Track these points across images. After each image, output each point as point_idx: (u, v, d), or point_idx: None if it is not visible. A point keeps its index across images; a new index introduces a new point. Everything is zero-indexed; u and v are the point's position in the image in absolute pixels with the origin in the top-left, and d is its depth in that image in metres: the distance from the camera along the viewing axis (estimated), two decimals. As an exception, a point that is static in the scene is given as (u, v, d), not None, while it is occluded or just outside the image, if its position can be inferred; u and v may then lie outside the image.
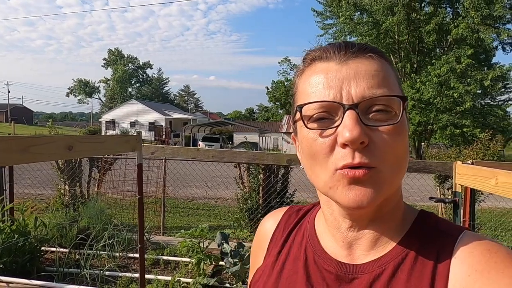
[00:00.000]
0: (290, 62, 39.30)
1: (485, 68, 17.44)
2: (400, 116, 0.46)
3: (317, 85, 0.47)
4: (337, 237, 0.52)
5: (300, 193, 5.43)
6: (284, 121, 38.33)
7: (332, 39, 21.84)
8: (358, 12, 18.73)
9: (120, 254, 3.42)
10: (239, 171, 6.07)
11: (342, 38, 20.13)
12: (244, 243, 3.03)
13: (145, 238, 4.09)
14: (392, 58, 19.33)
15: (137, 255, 3.39)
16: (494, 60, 18.80)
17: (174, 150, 3.05)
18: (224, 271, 2.90)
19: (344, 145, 0.44)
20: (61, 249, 3.39)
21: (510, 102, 18.91)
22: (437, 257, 0.46)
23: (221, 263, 3.06)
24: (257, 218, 5.53)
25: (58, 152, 1.39)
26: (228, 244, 2.71)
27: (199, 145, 26.14)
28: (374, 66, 0.47)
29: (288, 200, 5.63)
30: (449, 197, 5.99)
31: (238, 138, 31.65)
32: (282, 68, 39.99)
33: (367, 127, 0.44)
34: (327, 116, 0.46)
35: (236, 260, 2.50)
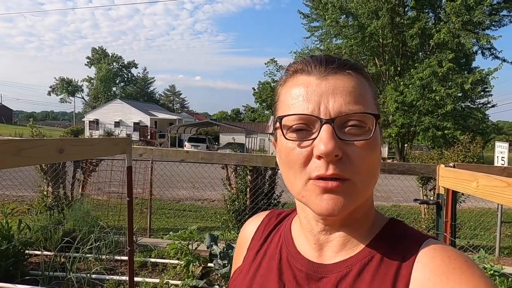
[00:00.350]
0: (277, 63, 39.42)
1: (466, 72, 17.95)
2: (373, 132, 0.49)
3: (297, 98, 0.50)
4: (309, 239, 0.55)
5: (287, 194, 5.48)
6: (270, 122, 38.46)
7: (318, 42, 22.09)
8: (344, 15, 19.00)
9: (107, 257, 3.38)
10: (226, 173, 6.08)
11: (328, 40, 20.38)
12: (233, 245, 3.05)
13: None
14: (376, 61, 19.73)
15: (124, 258, 3.36)
16: (474, 64, 19.41)
17: (162, 152, 3.04)
18: (214, 273, 2.91)
19: (319, 157, 0.47)
20: (46, 252, 3.33)
21: (488, 105, 19.54)
22: (401, 260, 0.49)
23: (209, 264, 3.07)
24: (244, 219, 5.55)
25: (49, 155, 1.38)
26: (217, 246, 2.72)
27: (185, 145, 25.94)
28: (351, 83, 0.50)
29: (275, 201, 5.67)
30: (432, 198, 6.17)
31: (224, 138, 31.58)
32: (269, 69, 40.18)
33: (341, 141, 0.47)
34: (305, 127, 0.49)
35: (225, 261, 2.51)
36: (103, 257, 3.34)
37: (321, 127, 0.47)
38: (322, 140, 0.46)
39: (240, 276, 0.62)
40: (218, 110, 72.84)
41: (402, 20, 18.32)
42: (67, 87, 59.50)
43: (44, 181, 5.43)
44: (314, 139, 0.48)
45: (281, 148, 0.52)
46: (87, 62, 60.75)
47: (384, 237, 0.53)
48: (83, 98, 63.85)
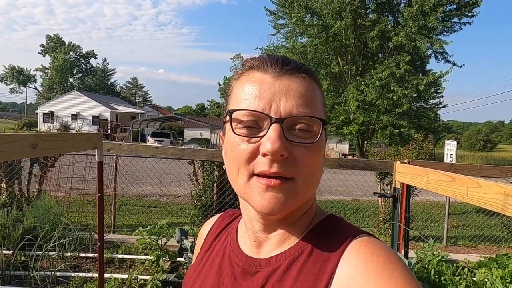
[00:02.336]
0: (243, 59, 39.33)
1: (420, 74, 19.06)
2: (319, 137, 0.50)
3: (250, 94, 0.50)
4: (250, 236, 0.57)
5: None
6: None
7: (284, 39, 22.35)
8: (309, 15, 19.41)
9: (72, 254, 3.30)
10: (193, 168, 6.07)
11: (294, 39, 20.72)
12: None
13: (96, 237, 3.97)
14: (339, 61, 20.37)
15: (89, 255, 3.30)
16: (428, 67, 20.67)
17: (132, 147, 3.01)
18: (184, 267, 2.95)
19: (264, 155, 0.48)
20: (5, 251, 3.19)
21: (440, 106, 20.94)
22: (328, 256, 0.50)
23: (179, 259, 3.11)
24: (211, 215, 5.56)
25: (23, 150, 1.36)
26: (188, 240, 2.77)
27: (148, 140, 25.25)
28: (304, 86, 0.51)
29: (242, 196, 5.78)
30: (389, 192, 6.58)
31: (189, 133, 31.13)
32: (235, 65, 39.95)
33: (288, 142, 0.48)
34: (255, 125, 0.50)
35: (196, 255, 2.57)
36: (68, 254, 3.26)
37: (270, 126, 0.48)
38: (270, 138, 0.47)
39: (191, 271, 0.65)
40: (183, 105, 71.56)
41: (364, 22, 19.05)
42: (18, 76, 55.42)
43: (-2, 177, 5.11)
44: (262, 136, 0.48)
45: (228, 143, 0.52)
46: (41, 50, 56.92)
47: (317, 233, 0.54)
48: (36, 88, 59.89)
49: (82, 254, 3.38)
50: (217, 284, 0.57)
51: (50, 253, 3.17)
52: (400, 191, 2.31)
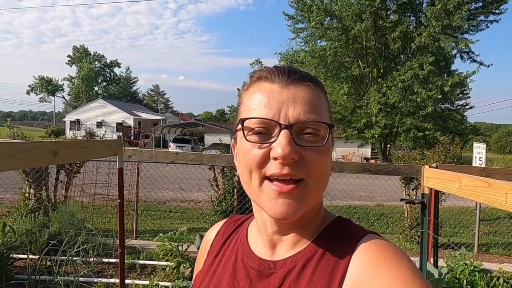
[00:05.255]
0: (262, 64, 39.52)
1: (445, 75, 18.48)
2: (326, 140, 0.53)
3: (260, 103, 0.54)
4: (264, 239, 0.59)
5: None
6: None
7: (303, 43, 22.27)
8: (328, 18, 19.24)
9: (95, 259, 3.34)
10: (213, 174, 6.07)
11: (313, 42, 20.57)
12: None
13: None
14: (360, 63, 20.04)
15: (112, 260, 3.33)
16: (453, 67, 20.00)
17: (152, 153, 3.02)
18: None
19: (275, 159, 0.50)
20: (32, 256, 3.26)
21: (467, 107, 20.17)
22: (341, 254, 0.53)
23: (199, 265, 3.08)
24: (232, 220, 5.56)
25: (44, 158, 1.37)
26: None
27: (170, 146, 25.67)
28: (310, 93, 0.54)
29: (263, 201, 5.71)
30: (414, 197, 6.33)
31: (209, 139, 31.42)
32: (253, 70, 40.00)
33: (298, 146, 0.51)
34: (265, 131, 0.52)
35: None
36: (91, 259, 3.30)
37: (280, 132, 0.51)
38: (280, 144, 0.50)
39: (200, 278, 0.66)
40: (203, 111, 72.43)
41: (384, 24, 18.69)
42: (47, 86, 57.86)
43: (26, 183, 5.29)
44: (272, 142, 0.51)
45: (240, 149, 0.55)
46: (68, 60, 59.28)
47: (328, 234, 0.57)
48: (63, 97, 62.29)
49: (105, 260, 3.42)
50: (231, 287, 0.59)
51: (74, 258, 3.22)
52: (428, 197, 2.19)
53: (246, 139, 0.53)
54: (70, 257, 3.14)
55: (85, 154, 1.76)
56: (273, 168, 0.50)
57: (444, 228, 6.77)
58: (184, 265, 2.82)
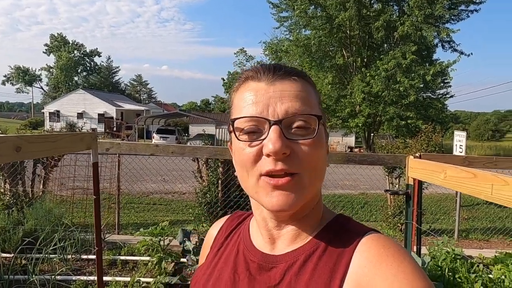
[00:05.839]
0: (246, 53, 39.11)
1: (427, 64, 18.69)
2: (317, 132, 0.53)
3: (248, 102, 0.54)
4: (264, 234, 0.60)
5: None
6: (240, 113, 38.11)
7: (287, 32, 22.09)
8: (313, 6, 19.09)
9: (73, 256, 3.22)
10: (197, 165, 5.97)
11: (297, 31, 20.42)
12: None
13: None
14: (344, 52, 20.06)
15: (91, 257, 3.22)
16: (434, 56, 20.26)
17: (131, 146, 2.90)
18: (187, 269, 2.85)
19: (268, 155, 0.51)
20: (5, 255, 3.12)
21: (447, 96, 20.56)
22: (342, 250, 0.53)
23: (183, 260, 3.01)
24: (216, 212, 5.50)
25: (5, 153, 1.26)
26: (190, 241, 2.67)
27: (153, 137, 25.25)
28: (297, 87, 0.54)
29: (248, 193, 5.66)
30: (397, 185, 6.40)
31: (194, 129, 31.07)
32: (238, 59, 39.59)
33: (289, 140, 0.51)
34: (256, 129, 0.53)
35: (199, 257, 2.47)
36: (69, 257, 3.19)
37: (270, 128, 0.51)
38: (271, 140, 0.50)
39: (201, 271, 0.67)
40: (187, 101, 71.60)
41: (368, 13, 18.68)
42: (24, 76, 55.73)
43: (0, 177, 5.07)
44: (264, 139, 0.52)
45: (235, 149, 0.57)
46: (46, 49, 57.12)
47: (329, 230, 0.58)
48: (42, 88, 60.25)
49: (84, 256, 3.30)
50: (232, 280, 0.60)
51: (51, 256, 3.09)
52: (413, 188, 2.17)
53: (238, 139, 0.54)
54: (46, 255, 3.01)
55: (54, 149, 1.64)
56: (267, 164, 0.51)
57: (426, 215, 6.91)
58: (166, 260, 2.74)
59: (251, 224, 0.66)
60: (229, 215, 0.75)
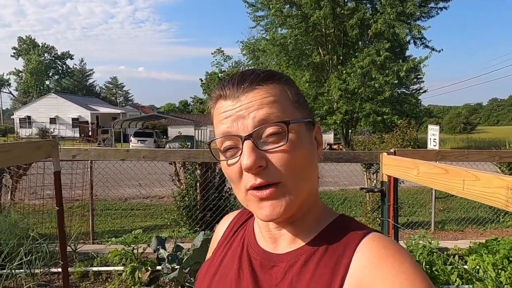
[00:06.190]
0: (224, 53, 38.90)
1: (400, 61, 19.16)
2: (287, 138, 0.52)
3: (221, 122, 0.55)
4: (265, 234, 0.61)
5: (238, 187, 5.40)
6: (219, 113, 37.80)
7: (263, 31, 22.09)
8: (288, 5, 19.17)
9: (41, 270, 3.05)
10: (174, 168, 5.84)
11: (273, 30, 20.46)
12: (182, 245, 2.91)
13: (71, 249, 3.71)
14: (320, 51, 20.26)
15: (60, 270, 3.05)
16: (407, 53, 20.78)
17: (100, 152, 2.77)
18: (163, 277, 2.75)
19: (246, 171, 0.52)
20: (-35, 273, 2.91)
21: (421, 91, 21.16)
22: (343, 251, 0.54)
23: (158, 267, 2.90)
24: (195, 215, 5.39)
25: None
26: (165, 249, 2.57)
27: (131, 140, 24.66)
28: (262, 96, 0.54)
29: (227, 194, 5.58)
30: (375, 180, 6.47)
31: (173, 131, 30.58)
32: (216, 59, 39.29)
33: (263, 151, 0.52)
34: (234, 146, 0.54)
35: (174, 265, 2.38)
36: (37, 271, 3.01)
37: (243, 144, 0.52)
38: (244, 155, 0.51)
39: (207, 266, 0.69)
40: (165, 102, 70.38)
41: (342, 11, 18.94)
42: (-9, 81, 53.36)
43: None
44: (240, 155, 0.53)
45: (222, 167, 0.58)
46: (14, 53, 54.83)
47: (331, 231, 0.58)
48: (10, 93, 57.79)
49: (54, 270, 3.13)
50: (237, 276, 0.60)
51: (17, 271, 2.91)
52: (388, 184, 2.17)
53: (217, 160, 0.57)
54: (11, 271, 2.83)
55: (7, 160, 1.51)
56: (248, 180, 0.52)
57: (404, 208, 7.04)
58: (140, 270, 2.63)
59: (255, 222, 0.67)
60: (239, 210, 0.76)
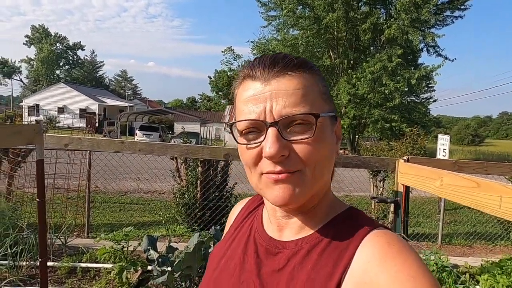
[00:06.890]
0: (234, 52, 38.75)
1: (412, 68, 18.89)
2: (315, 130, 0.51)
3: (246, 104, 0.54)
4: (273, 221, 0.61)
5: (240, 186, 5.23)
6: (226, 112, 37.84)
7: (275, 31, 21.93)
8: (301, 6, 18.98)
9: (27, 263, 2.89)
10: (176, 164, 5.69)
11: (285, 31, 20.29)
12: (176, 245, 2.74)
13: (61, 242, 3.57)
14: (331, 54, 20.04)
15: (50, 264, 2.91)
16: (419, 61, 20.48)
17: (93, 142, 2.61)
18: (153, 279, 2.58)
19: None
20: None
21: (431, 100, 20.83)
22: (348, 244, 0.53)
23: (150, 267, 2.74)
24: (194, 214, 5.23)
25: None
26: (156, 249, 2.40)
27: (136, 134, 24.65)
28: (293, 84, 0.52)
29: (228, 193, 5.42)
30: (381, 188, 6.24)
31: (179, 127, 30.53)
32: (225, 58, 39.18)
33: (287, 141, 0.51)
34: (255, 130, 0.53)
35: (165, 267, 2.20)
36: (23, 263, 2.86)
37: (267, 130, 0.51)
38: (268, 143, 0.50)
39: (218, 248, 0.70)
40: (173, 98, 70.57)
41: (355, 15, 18.70)
42: (2, 68, 53.76)
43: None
44: (262, 141, 0.52)
45: (238, 149, 0.58)
46: (26, 41, 55.23)
47: (337, 223, 0.57)
48: (21, 80, 58.24)
49: (41, 263, 2.97)
50: (242, 260, 0.61)
51: (1, 262, 2.76)
52: (401, 194, 1.97)
53: (238, 142, 0.55)
54: (-7, 263, 2.68)
55: (-21, 143, 1.36)
56: (267, 166, 0.52)
57: (410, 219, 6.81)
58: (129, 270, 2.46)
59: (265, 209, 0.67)
60: (253, 196, 0.76)
